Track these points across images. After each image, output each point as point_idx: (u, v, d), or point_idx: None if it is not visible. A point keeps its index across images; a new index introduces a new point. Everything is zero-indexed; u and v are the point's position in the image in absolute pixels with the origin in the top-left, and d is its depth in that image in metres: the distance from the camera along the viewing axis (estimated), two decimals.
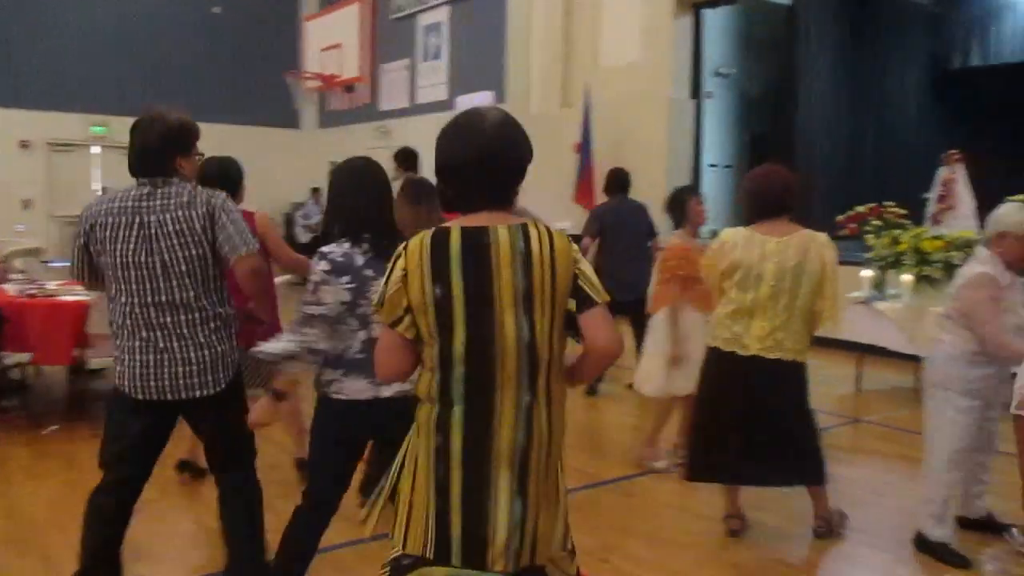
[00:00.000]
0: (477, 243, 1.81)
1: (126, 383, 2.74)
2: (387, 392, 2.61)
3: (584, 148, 10.13)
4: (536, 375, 1.84)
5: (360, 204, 2.69)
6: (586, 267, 1.89)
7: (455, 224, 1.85)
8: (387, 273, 1.86)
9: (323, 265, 2.61)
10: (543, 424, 1.87)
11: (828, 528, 3.81)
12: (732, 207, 11.47)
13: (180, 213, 2.67)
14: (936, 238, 6.36)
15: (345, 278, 2.60)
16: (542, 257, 1.82)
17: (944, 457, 3.56)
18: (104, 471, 2.83)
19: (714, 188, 10.97)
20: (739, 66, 11.99)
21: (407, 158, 6.21)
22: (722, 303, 3.68)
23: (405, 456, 1.95)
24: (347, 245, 2.64)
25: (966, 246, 6.05)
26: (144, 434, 2.80)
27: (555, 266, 1.83)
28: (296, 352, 2.60)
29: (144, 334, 2.70)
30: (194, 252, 2.68)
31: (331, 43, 15.45)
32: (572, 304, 1.86)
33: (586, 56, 11.03)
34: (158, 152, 2.71)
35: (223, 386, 2.78)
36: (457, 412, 1.83)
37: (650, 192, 7.16)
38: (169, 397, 2.73)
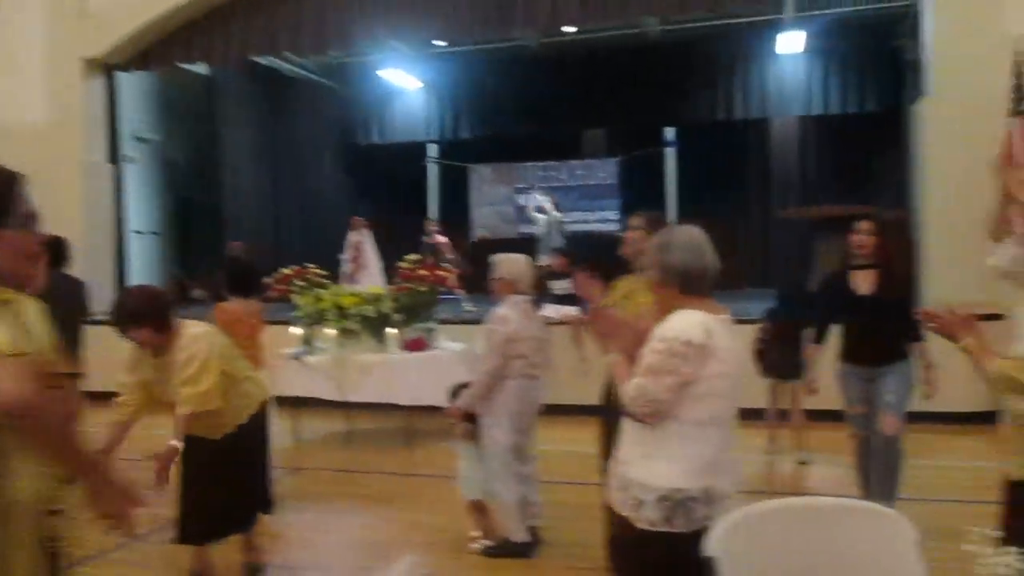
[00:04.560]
0: None
1: None
2: None
3: None
4: None
5: None
6: None
7: None
8: None
9: None
10: None
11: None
12: (159, 273, 11.26)
13: None
14: (352, 295, 7.18)
15: None
16: None
17: None
18: None
19: (141, 255, 10.69)
20: (162, 131, 11.89)
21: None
22: None
23: None
24: None
25: (376, 300, 6.98)
26: None
27: None
28: None
29: None
30: None
31: None
32: None
33: None
34: None
35: None
36: None
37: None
38: None
